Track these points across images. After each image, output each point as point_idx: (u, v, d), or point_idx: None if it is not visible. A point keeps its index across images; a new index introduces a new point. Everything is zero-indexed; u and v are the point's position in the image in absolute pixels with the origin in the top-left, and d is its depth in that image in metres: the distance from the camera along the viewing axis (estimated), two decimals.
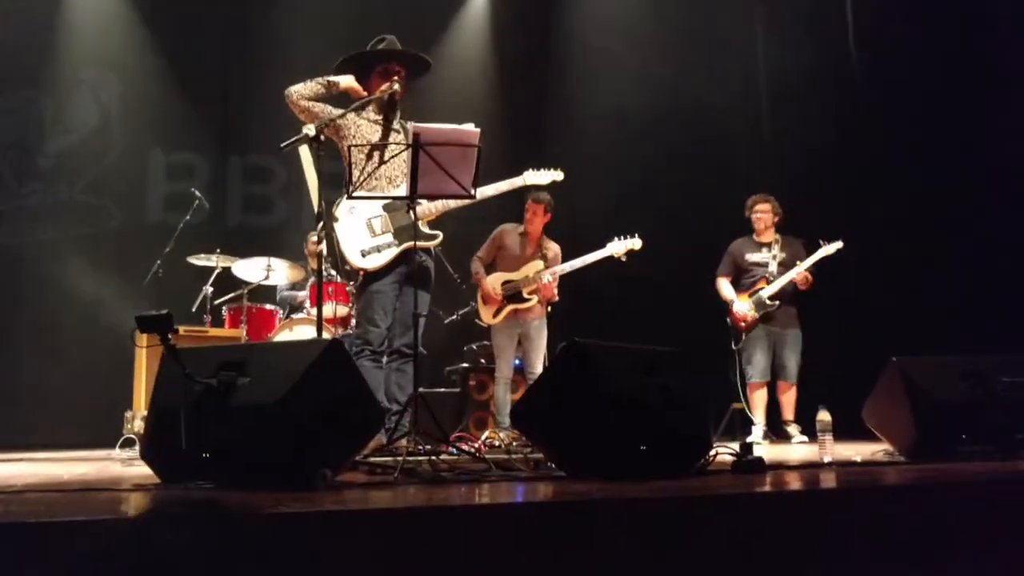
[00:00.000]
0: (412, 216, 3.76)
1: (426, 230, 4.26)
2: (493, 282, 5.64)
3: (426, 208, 4.30)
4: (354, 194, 3.98)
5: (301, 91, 4.21)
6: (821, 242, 6.02)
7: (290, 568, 1.70)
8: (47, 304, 7.33)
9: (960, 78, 6.65)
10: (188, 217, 6.46)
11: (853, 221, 6.86)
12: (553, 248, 5.78)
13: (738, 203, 6.42)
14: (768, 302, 5.97)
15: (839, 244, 6.00)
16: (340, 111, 4.21)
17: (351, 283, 5.93)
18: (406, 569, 1.79)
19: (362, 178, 4.07)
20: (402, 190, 3.96)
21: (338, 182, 4.33)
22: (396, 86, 4.23)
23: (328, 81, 4.26)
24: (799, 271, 5.95)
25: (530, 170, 4.94)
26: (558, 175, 5.05)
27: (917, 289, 6.58)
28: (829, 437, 3.51)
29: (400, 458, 3.04)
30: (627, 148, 8.17)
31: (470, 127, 3.74)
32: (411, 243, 3.91)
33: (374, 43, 4.43)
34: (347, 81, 4.31)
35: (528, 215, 5.67)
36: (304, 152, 4.02)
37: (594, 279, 6.13)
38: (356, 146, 4.20)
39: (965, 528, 2.26)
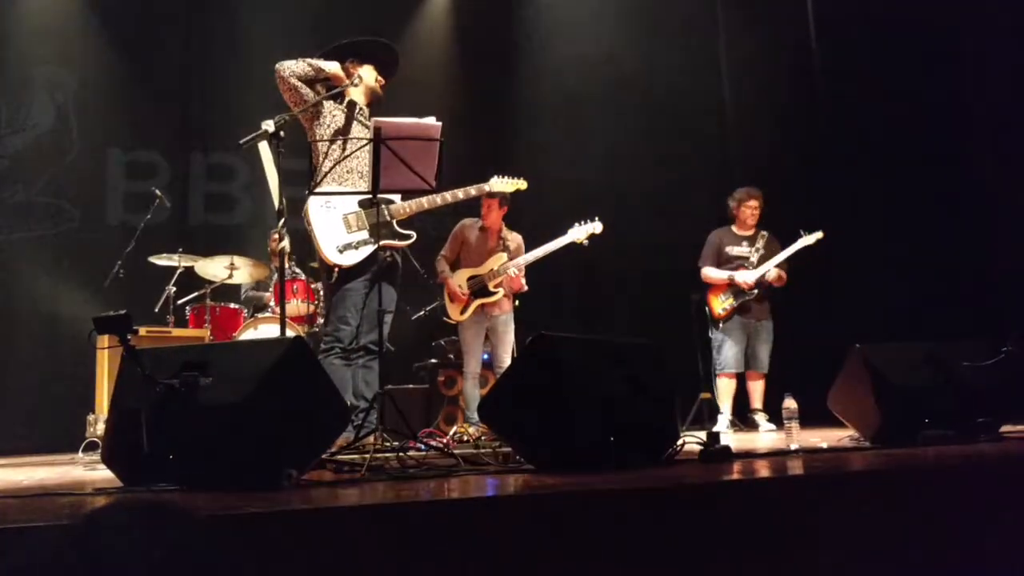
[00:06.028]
0: (382, 213, 3.74)
1: (399, 229, 4.24)
2: (458, 279, 5.61)
3: (400, 207, 4.28)
4: (317, 190, 3.95)
5: (293, 68, 4.19)
6: (801, 232, 6.07)
7: (257, 569, 1.67)
8: (5, 307, 7.17)
9: (920, 66, 6.74)
10: (149, 216, 6.34)
11: (815, 211, 6.92)
12: (515, 239, 5.76)
13: (701, 191, 6.43)
14: (746, 291, 6.01)
15: (819, 234, 6.06)
16: (320, 95, 4.21)
17: (317, 282, 5.89)
18: (375, 566, 1.78)
19: (324, 172, 4.04)
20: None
21: (298, 179, 4.29)
22: (354, 80, 4.25)
23: (317, 65, 4.25)
24: (779, 260, 6.00)
25: (495, 177, 4.99)
26: (522, 184, 5.11)
27: (881, 277, 6.66)
28: (795, 424, 3.55)
29: (367, 455, 3.02)
30: (588, 137, 8.19)
31: (431, 120, 3.73)
32: (385, 241, 3.90)
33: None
34: (333, 68, 4.30)
35: (484, 211, 5.65)
36: (264, 149, 3.97)
37: (560, 271, 6.12)
38: (316, 141, 4.17)
39: (928, 511, 2.29)
